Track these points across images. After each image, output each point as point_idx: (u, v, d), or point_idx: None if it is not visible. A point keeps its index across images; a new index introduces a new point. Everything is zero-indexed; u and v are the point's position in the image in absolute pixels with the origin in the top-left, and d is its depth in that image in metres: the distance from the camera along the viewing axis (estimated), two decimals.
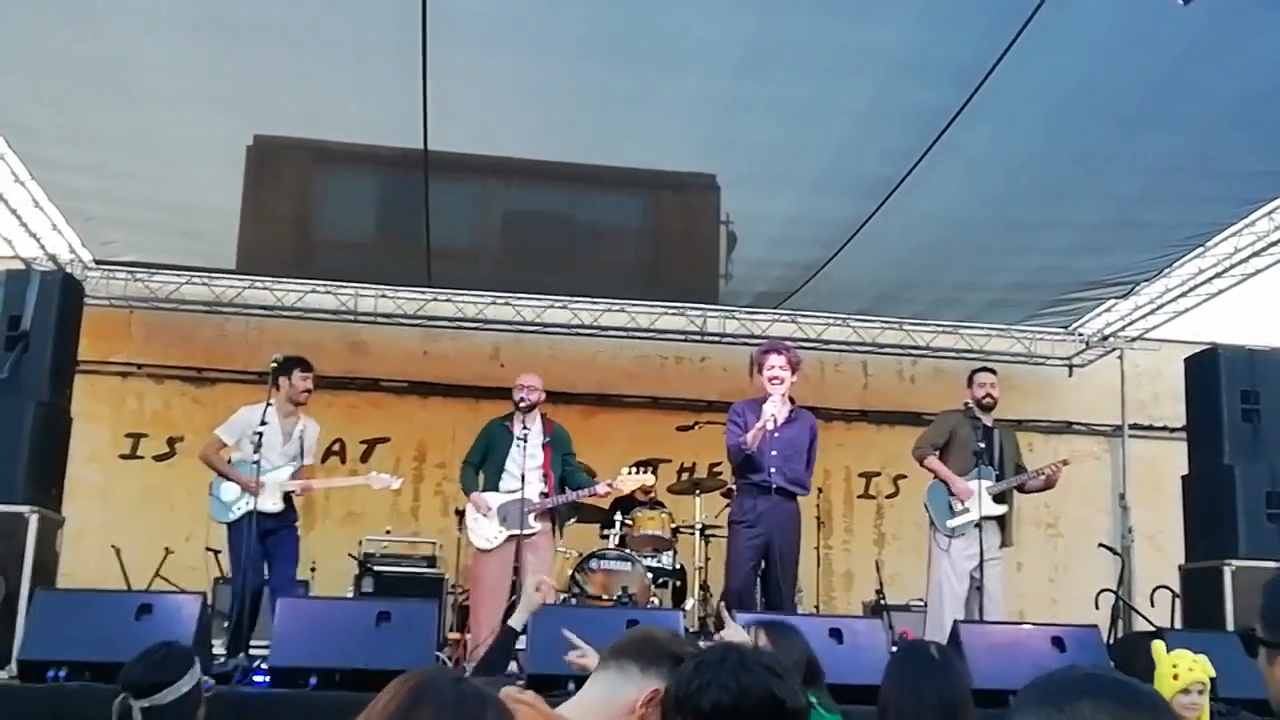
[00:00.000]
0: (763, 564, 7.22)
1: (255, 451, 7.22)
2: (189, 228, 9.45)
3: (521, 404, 7.62)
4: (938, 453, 7.82)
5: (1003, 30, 6.30)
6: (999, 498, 7.60)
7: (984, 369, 8.23)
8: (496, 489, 7.56)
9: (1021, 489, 7.84)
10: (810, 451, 7.45)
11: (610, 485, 7.81)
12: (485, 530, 7.48)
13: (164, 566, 9.09)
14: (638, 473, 7.74)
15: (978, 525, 7.51)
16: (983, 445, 7.65)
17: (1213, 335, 10.45)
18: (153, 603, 6.31)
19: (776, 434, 7.20)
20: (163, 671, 3.56)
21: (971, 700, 3.23)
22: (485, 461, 7.73)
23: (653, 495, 9.51)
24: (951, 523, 7.60)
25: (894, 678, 3.28)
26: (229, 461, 7.59)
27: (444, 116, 7.44)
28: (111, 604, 6.43)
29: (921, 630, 7.87)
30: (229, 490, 7.49)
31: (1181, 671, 4.79)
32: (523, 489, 7.41)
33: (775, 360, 7.24)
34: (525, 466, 7.49)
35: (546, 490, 7.59)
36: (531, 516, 7.46)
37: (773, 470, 7.14)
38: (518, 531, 7.40)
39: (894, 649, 8.59)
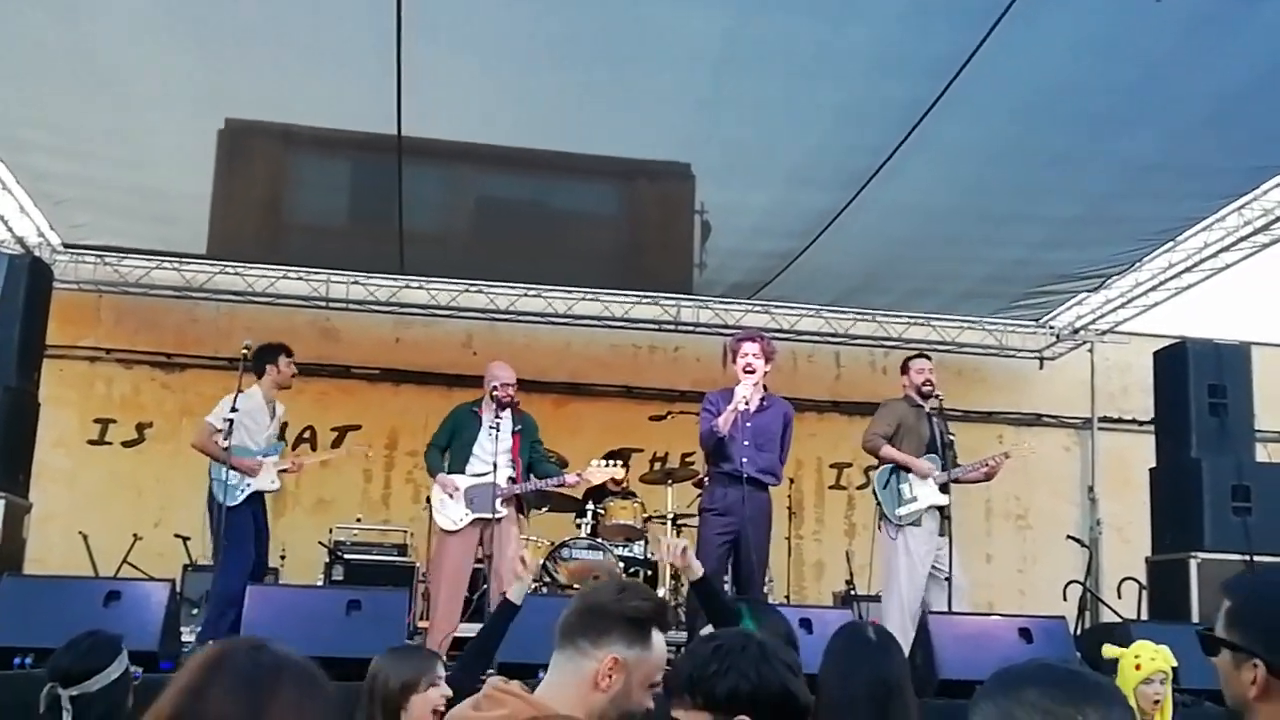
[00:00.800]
0: (733, 554, 7.22)
1: (226, 437, 7.25)
2: (160, 212, 9.36)
3: (502, 401, 7.57)
4: (887, 442, 7.78)
5: (977, 26, 6.31)
6: (944, 487, 7.58)
7: (919, 355, 8.12)
8: (462, 473, 7.53)
9: (958, 480, 7.79)
10: (783, 439, 7.41)
11: (580, 476, 7.79)
12: (451, 512, 7.44)
13: (132, 553, 9.03)
14: (609, 465, 7.72)
15: (943, 516, 7.53)
16: (936, 433, 7.66)
17: (1182, 329, 10.57)
18: (121, 589, 6.30)
19: (749, 423, 7.19)
20: (90, 659, 3.61)
21: (909, 685, 3.23)
22: (451, 445, 7.68)
23: (625, 486, 9.51)
24: (901, 511, 7.59)
25: (829, 658, 3.28)
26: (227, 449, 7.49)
27: (417, 102, 7.39)
28: (79, 590, 6.41)
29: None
30: (232, 474, 7.45)
31: (1144, 661, 4.84)
32: (494, 473, 7.39)
33: (749, 348, 7.23)
34: (494, 451, 7.46)
35: (514, 476, 7.56)
36: (499, 501, 7.43)
37: (744, 460, 7.12)
38: (486, 515, 7.38)
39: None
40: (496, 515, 7.40)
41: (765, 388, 7.36)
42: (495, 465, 7.41)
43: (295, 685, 1.65)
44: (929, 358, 8.08)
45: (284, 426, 8.35)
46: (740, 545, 7.10)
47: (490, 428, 7.55)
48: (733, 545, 7.13)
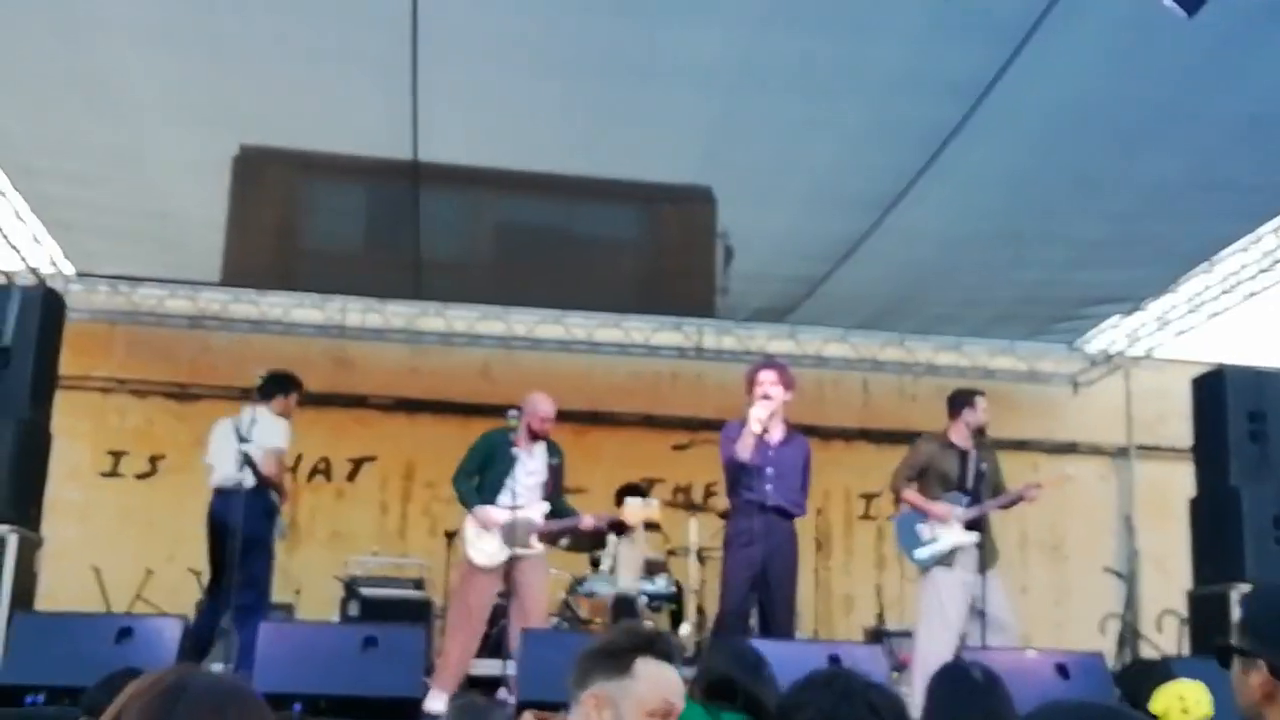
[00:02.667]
0: (761, 586, 7.03)
1: (239, 468, 7.25)
2: (173, 239, 9.32)
3: (539, 434, 7.37)
4: (914, 485, 7.60)
5: (1002, 46, 6.22)
6: (970, 525, 7.34)
7: (979, 392, 7.85)
8: (493, 504, 7.27)
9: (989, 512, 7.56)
10: (805, 474, 7.27)
11: (612, 519, 7.68)
12: (487, 546, 7.18)
13: (145, 588, 8.90)
14: (645, 504, 7.54)
15: (955, 553, 7.29)
16: (967, 470, 7.43)
17: (1220, 354, 10.36)
18: (133, 626, 6.25)
19: (772, 452, 7.05)
20: None
21: None
22: (483, 475, 7.43)
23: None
24: (920, 554, 7.39)
25: (934, 701, 3.09)
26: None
27: (434, 127, 7.34)
28: (91, 627, 6.37)
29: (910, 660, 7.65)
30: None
31: (1189, 704, 4.63)
32: (529, 508, 7.19)
33: (766, 376, 7.10)
34: (525, 484, 7.24)
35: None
36: (534, 537, 7.23)
37: (769, 488, 6.98)
38: (523, 552, 7.16)
39: (900, 665, 8.47)
40: (529, 552, 7.20)
41: (786, 421, 7.20)
42: (528, 500, 7.21)
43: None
44: (982, 393, 7.81)
45: None
46: (766, 576, 6.93)
47: (525, 456, 7.32)
48: (758, 577, 6.95)
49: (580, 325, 10.96)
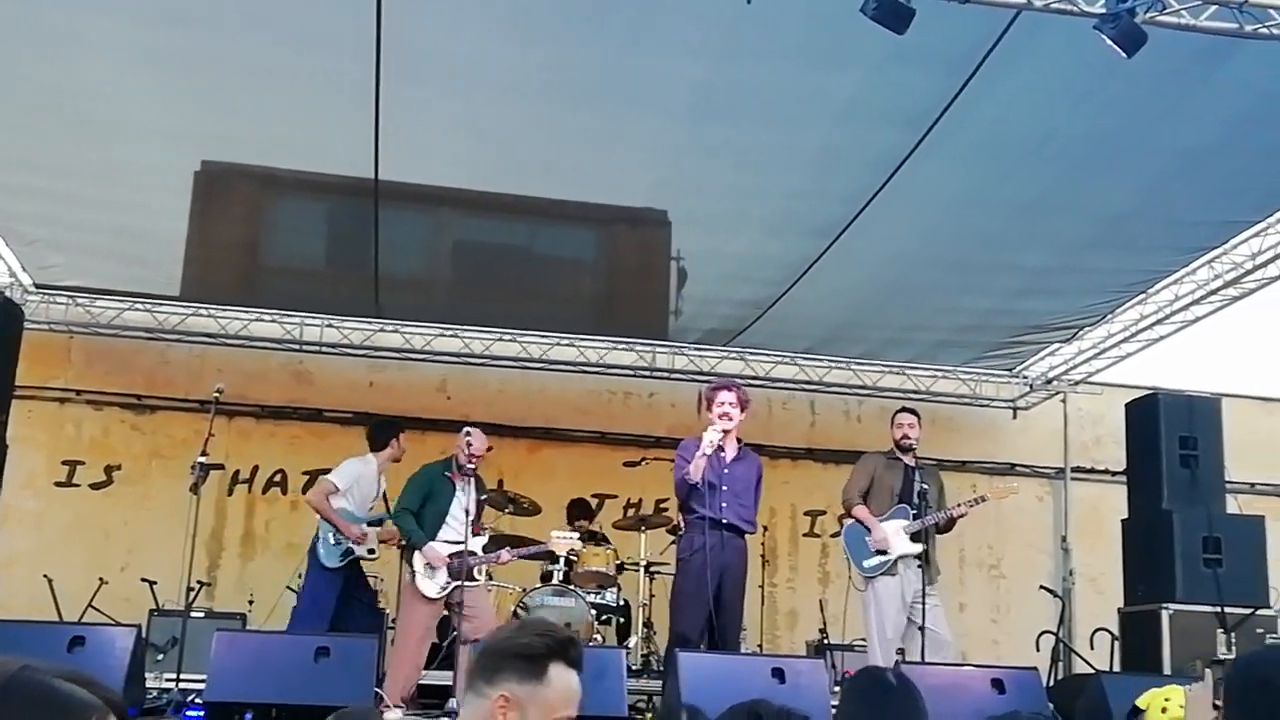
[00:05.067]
0: (712, 601, 7.17)
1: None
2: (134, 253, 9.31)
3: (470, 465, 7.58)
4: (863, 499, 7.86)
5: (953, 76, 6.38)
6: (915, 536, 7.63)
7: (902, 409, 8.22)
8: (433, 538, 7.48)
9: (939, 529, 7.84)
10: (757, 491, 7.45)
11: (543, 549, 7.98)
12: (438, 579, 7.43)
13: (98, 597, 8.90)
14: (568, 536, 7.80)
15: (920, 565, 7.54)
16: (910, 484, 7.72)
17: (1154, 380, 10.64)
18: (85, 635, 6.24)
19: (727, 470, 7.21)
20: None
21: None
22: (423, 509, 7.62)
23: (594, 528, 9.52)
24: (869, 563, 7.65)
25: (849, 704, 3.25)
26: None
27: (396, 147, 7.40)
28: (42, 636, 6.34)
29: None
30: (335, 535, 8.06)
31: (1172, 706, 4.87)
32: (469, 541, 7.42)
33: (726, 397, 7.27)
34: (462, 520, 7.45)
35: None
36: (477, 570, 7.49)
37: (724, 505, 7.13)
38: (468, 584, 7.38)
39: (843, 678, 8.65)
40: (472, 584, 7.47)
41: (739, 439, 7.38)
42: (470, 533, 7.45)
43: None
44: (914, 412, 8.12)
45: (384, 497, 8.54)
46: (718, 594, 7.06)
47: (460, 489, 7.56)
48: (711, 593, 7.08)
49: (536, 344, 11.07)
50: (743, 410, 7.29)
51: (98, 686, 1.52)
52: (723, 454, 7.20)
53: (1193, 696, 3.47)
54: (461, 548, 7.34)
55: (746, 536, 7.36)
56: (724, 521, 7.09)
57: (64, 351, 10.69)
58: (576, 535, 8.01)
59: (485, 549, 7.62)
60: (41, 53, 6.59)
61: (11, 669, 1.48)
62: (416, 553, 7.45)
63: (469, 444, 7.58)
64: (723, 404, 7.24)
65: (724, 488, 7.16)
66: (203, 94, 6.97)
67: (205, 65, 6.65)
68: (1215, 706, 2.15)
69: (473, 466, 7.58)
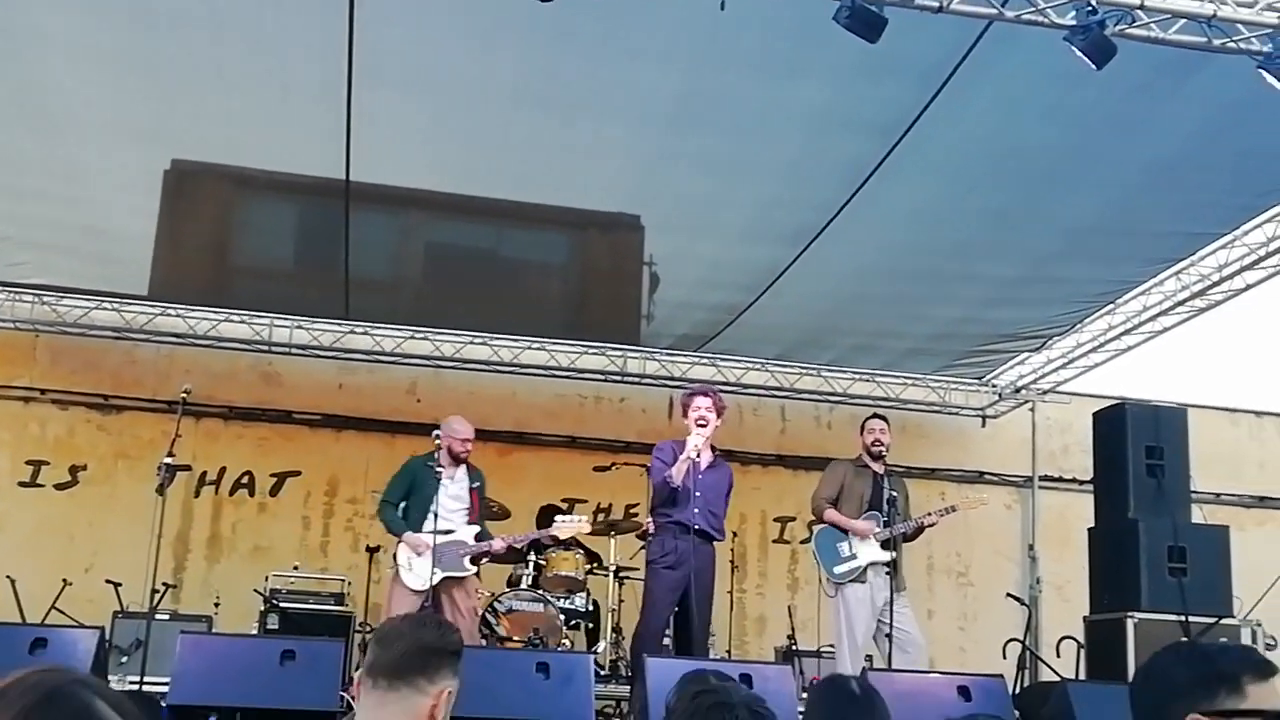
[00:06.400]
0: (679, 606, 7.19)
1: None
2: (101, 252, 9.24)
3: (459, 457, 7.55)
4: (831, 504, 7.89)
5: (924, 88, 6.43)
6: (885, 544, 7.65)
7: (873, 416, 8.25)
8: (419, 530, 7.42)
9: (906, 537, 7.88)
10: (727, 499, 7.49)
11: (547, 533, 7.89)
12: (421, 570, 7.35)
13: (61, 599, 8.81)
14: (576, 520, 7.80)
15: (888, 572, 7.56)
16: (880, 491, 7.74)
17: (1121, 391, 10.73)
18: (47, 636, 6.22)
19: (701, 476, 7.23)
20: None
21: None
22: (408, 500, 7.59)
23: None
24: (839, 569, 7.66)
25: (813, 712, 3.27)
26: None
27: (367, 148, 7.38)
28: (3, 637, 6.27)
29: None
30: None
31: None
32: (459, 531, 7.40)
33: (702, 403, 7.31)
34: (451, 508, 7.40)
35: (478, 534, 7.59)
36: (467, 559, 7.40)
37: (696, 511, 7.15)
38: (456, 574, 7.33)
39: (810, 685, 8.67)
40: (461, 573, 7.38)
41: (714, 446, 7.41)
42: (451, 520, 7.39)
43: None
44: (884, 419, 8.14)
45: None
46: (686, 599, 7.08)
47: (446, 479, 7.49)
48: (680, 598, 7.10)
49: (506, 348, 11.05)
50: (719, 416, 7.33)
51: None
52: (699, 460, 7.23)
53: None
54: (450, 538, 7.28)
55: (715, 544, 7.38)
56: (695, 527, 7.11)
57: (29, 350, 10.61)
58: (584, 519, 7.97)
59: (478, 539, 7.55)
60: (8, 52, 6.53)
61: (62, 680, 1.48)
62: (400, 545, 7.40)
63: (457, 431, 7.54)
64: (699, 409, 7.27)
65: (697, 493, 7.19)
66: (172, 93, 6.93)
67: (174, 64, 6.61)
68: None
69: (460, 453, 7.52)
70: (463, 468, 7.60)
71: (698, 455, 7.14)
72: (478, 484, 7.66)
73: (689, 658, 6.98)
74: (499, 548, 7.62)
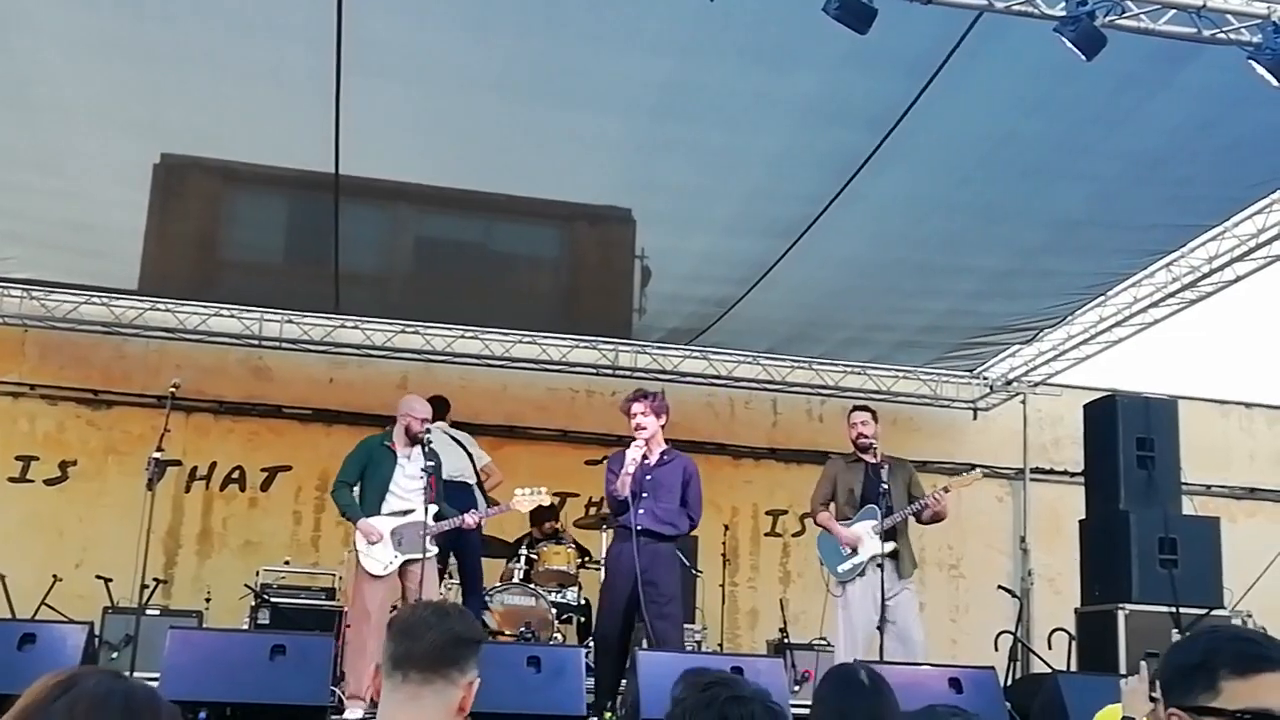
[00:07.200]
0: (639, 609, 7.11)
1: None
2: (91, 246, 9.21)
3: (416, 436, 7.43)
4: (826, 506, 7.85)
5: (914, 80, 6.43)
6: (887, 534, 7.59)
7: (856, 408, 8.08)
8: (378, 511, 7.32)
9: (919, 519, 7.78)
10: (686, 491, 7.31)
11: (508, 506, 7.66)
12: (381, 555, 7.20)
13: (51, 595, 8.79)
14: (533, 492, 7.60)
15: (879, 565, 7.53)
16: (873, 483, 7.67)
17: (1112, 382, 10.75)
18: (36, 632, 6.19)
19: (648, 476, 7.14)
20: None
21: None
22: (363, 482, 7.51)
23: (559, 527, 9.45)
24: (843, 567, 7.63)
25: (821, 702, 3.27)
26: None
27: (356, 142, 7.36)
28: None
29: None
30: None
31: None
32: (419, 511, 7.23)
33: (637, 408, 7.24)
34: (409, 488, 7.30)
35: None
36: (429, 540, 7.26)
37: (640, 513, 7.06)
38: (416, 556, 7.18)
39: (802, 678, 8.67)
40: (426, 555, 7.25)
41: (667, 442, 7.34)
42: (415, 502, 7.26)
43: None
44: (869, 410, 8.03)
45: None
46: (643, 597, 6.95)
47: (402, 459, 7.36)
48: (631, 599, 7.01)
49: (498, 341, 11.04)
50: (658, 417, 7.24)
51: None
52: (647, 461, 7.15)
53: (1129, 689, 3.50)
54: (409, 519, 7.17)
55: (673, 539, 7.28)
56: (639, 528, 7.02)
57: (18, 345, 10.57)
58: (544, 490, 7.70)
59: (438, 519, 7.41)
60: None
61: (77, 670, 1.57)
62: (356, 530, 7.31)
63: (415, 410, 7.48)
64: (634, 415, 7.21)
65: (644, 495, 7.09)
66: (162, 86, 6.90)
67: (164, 56, 6.58)
68: (1152, 699, 2.16)
69: (418, 431, 7.38)
70: (418, 448, 7.47)
71: (635, 466, 7.06)
72: (433, 464, 7.48)
73: (682, 652, 6.98)
74: (471, 522, 7.50)
